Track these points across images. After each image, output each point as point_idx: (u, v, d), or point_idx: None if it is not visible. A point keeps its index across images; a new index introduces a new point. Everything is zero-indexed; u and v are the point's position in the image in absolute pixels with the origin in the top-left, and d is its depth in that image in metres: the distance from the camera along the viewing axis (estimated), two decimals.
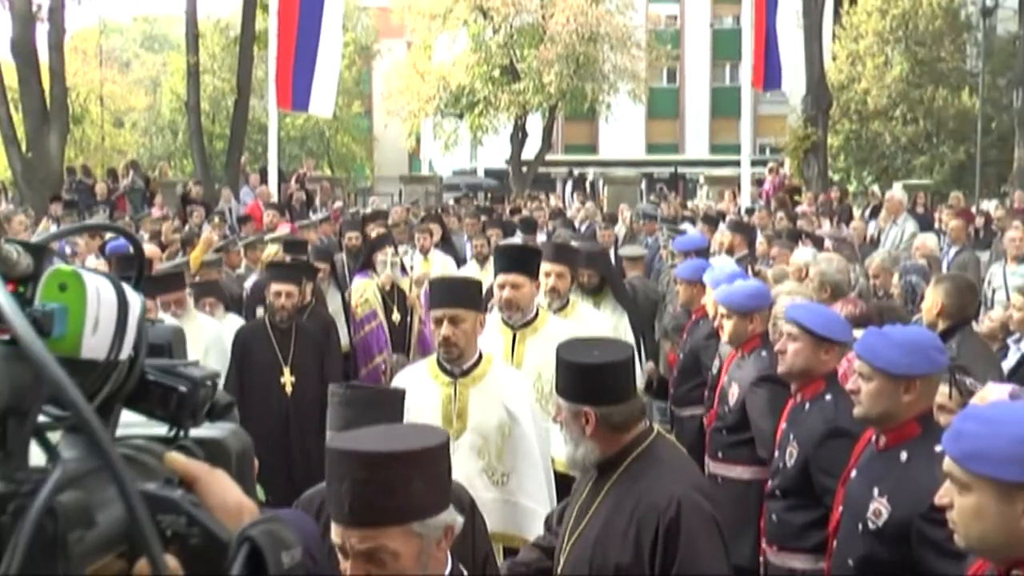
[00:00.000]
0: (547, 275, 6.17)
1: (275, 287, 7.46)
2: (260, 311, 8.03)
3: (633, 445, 3.32)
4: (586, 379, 3.31)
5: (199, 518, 0.82)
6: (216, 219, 14.18)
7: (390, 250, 9.35)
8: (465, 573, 2.88)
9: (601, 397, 3.27)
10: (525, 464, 4.55)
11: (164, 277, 7.21)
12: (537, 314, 5.55)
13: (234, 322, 7.82)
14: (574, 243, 8.33)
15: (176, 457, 0.89)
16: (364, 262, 9.59)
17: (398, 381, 4.92)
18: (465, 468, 4.31)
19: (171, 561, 0.79)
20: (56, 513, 0.73)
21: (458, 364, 4.58)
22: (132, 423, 0.94)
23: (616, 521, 3.23)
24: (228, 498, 0.87)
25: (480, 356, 4.70)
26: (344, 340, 9.25)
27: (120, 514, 0.78)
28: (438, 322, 4.59)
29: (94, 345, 0.85)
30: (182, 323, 6.32)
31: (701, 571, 3.09)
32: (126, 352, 0.89)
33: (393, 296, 9.13)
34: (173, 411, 0.94)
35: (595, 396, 3.28)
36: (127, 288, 0.91)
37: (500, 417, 4.54)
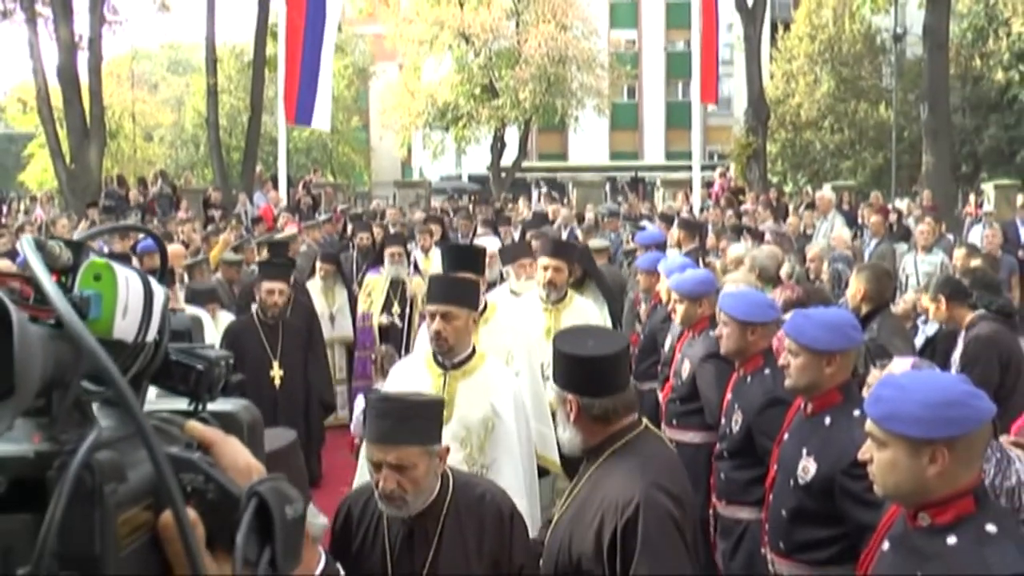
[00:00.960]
0: (545, 269, 6.03)
1: (267, 285, 7.01)
2: (254, 307, 7.55)
3: (616, 437, 3.06)
4: (572, 368, 3.08)
5: (214, 476, 0.84)
6: (233, 221, 14.11)
7: (398, 249, 9.05)
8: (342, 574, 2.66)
9: (584, 387, 3.05)
10: (506, 458, 4.31)
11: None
12: (485, 307, 5.23)
13: (227, 320, 7.41)
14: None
15: (195, 425, 0.91)
16: (376, 258, 9.35)
17: (396, 370, 4.76)
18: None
19: (191, 512, 0.80)
20: (93, 468, 0.74)
21: (449, 357, 4.35)
22: (158, 400, 0.96)
23: (586, 510, 3.01)
24: (239, 459, 0.89)
25: (473, 351, 4.44)
26: (348, 332, 9.15)
27: (147, 472, 0.79)
28: (432, 317, 4.36)
29: (124, 328, 0.86)
30: None
31: (658, 571, 2.81)
32: (152, 335, 0.90)
33: (396, 291, 8.84)
34: (192, 387, 0.95)
35: (579, 385, 3.06)
36: (152, 280, 0.92)
37: (485, 411, 4.29)
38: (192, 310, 6.72)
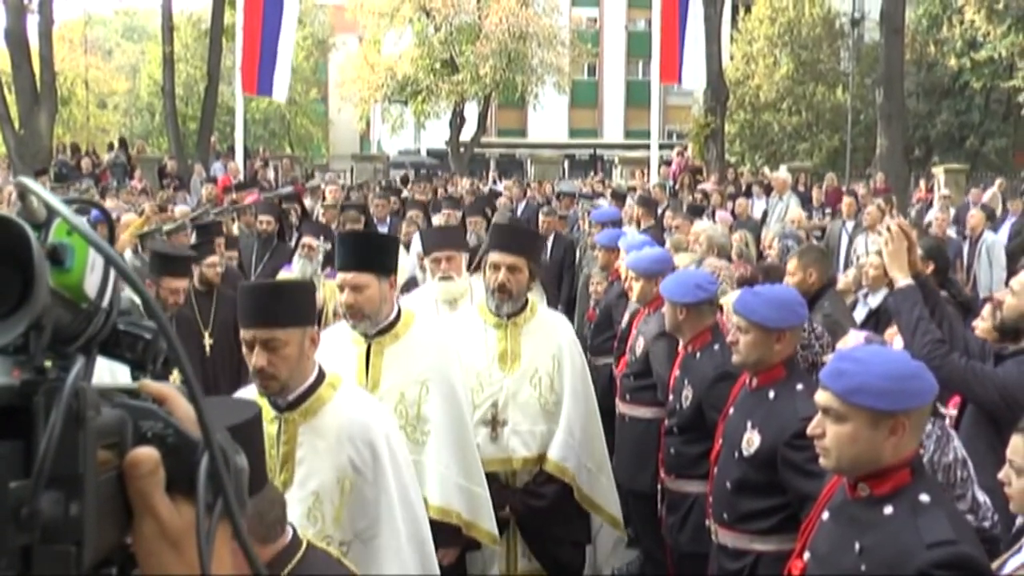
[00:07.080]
0: (496, 268, 4.37)
1: (166, 282, 5.51)
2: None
3: (275, 568, 2.11)
4: None
5: (172, 422, 0.88)
6: (150, 202, 12.00)
7: (311, 240, 7.36)
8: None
9: None
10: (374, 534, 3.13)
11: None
12: (399, 317, 3.82)
13: None
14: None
15: (148, 382, 0.95)
16: (293, 250, 7.79)
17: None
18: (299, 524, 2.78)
19: (154, 453, 0.85)
20: (78, 393, 0.78)
21: (282, 396, 3.10)
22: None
23: None
24: (190, 412, 0.92)
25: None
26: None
27: (113, 415, 0.84)
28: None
29: (91, 283, 0.88)
30: None
31: None
32: (106, 300, 0.92)
33: None
34: (139, 355, 0.97)
35: None
36: None
37: (340, 469, 3.08)
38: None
